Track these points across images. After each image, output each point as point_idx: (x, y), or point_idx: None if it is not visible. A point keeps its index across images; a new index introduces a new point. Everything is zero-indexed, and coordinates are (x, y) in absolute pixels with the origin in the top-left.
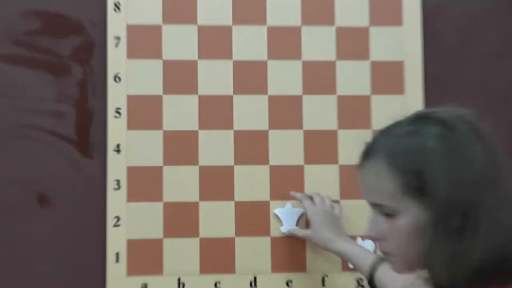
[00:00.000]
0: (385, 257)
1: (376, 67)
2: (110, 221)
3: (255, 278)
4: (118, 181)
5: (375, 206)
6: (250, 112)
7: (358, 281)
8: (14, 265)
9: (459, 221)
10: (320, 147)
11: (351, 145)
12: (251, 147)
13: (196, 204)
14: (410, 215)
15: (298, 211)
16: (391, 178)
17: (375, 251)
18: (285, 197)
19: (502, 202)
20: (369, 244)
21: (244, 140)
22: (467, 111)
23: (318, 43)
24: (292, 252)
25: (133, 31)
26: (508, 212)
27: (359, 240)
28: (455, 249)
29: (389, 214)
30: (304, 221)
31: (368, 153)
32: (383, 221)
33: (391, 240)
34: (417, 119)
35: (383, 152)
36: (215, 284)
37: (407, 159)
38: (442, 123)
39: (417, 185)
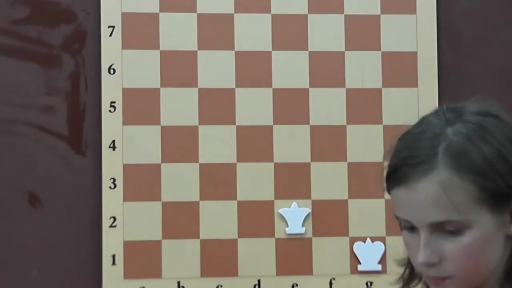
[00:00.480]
0: (438, 282)
1: (388, 58)
2: (105, 221)
3: (259, 282)
4: (113, 180)
5: (436, 225)
6: (253, 106)
7: (367, 284)
8: (3, 269)
9: None
10: (328, 143)
11: (361, 141)
12: (254, 143)
13: (196, 204)
14: (483, 225)
15: (304, 211)
16: (464, 186)
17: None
18: (290, 196)
19: None
20: (380, 246)
21: (247, 136)
22: (493, 103)
23: (326, 33)
24: (298, 254)
25: (129, 19)
26: None
27: (368, 241)
28: None
29: (454, 231)
30: (310, 221)
31: (421, 164)
32: (444, 241)
33: (457, 261)
34: (458, 114)
35: (448, 157)
36: (217, 287)
37: (479, 160)
38: (490, 114)
39: (494, 189)
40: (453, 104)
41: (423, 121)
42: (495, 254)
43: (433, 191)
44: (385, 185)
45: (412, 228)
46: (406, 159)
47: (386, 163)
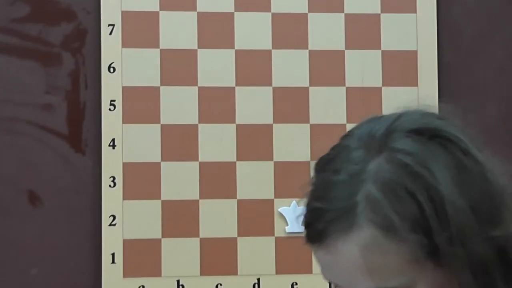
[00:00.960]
0: None
1: (388, 57)
2: (105, 220)
3: (258, 280)
4: (113, 178)
5: None
6: (253, 105)
7: None
8: (3, 268)
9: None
10: (328, 142)
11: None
12: (254, 142)
13: (196, 202)
14: (429, 282)
15: (304, 209)
16: (394, 248)
17: None
18: (290, 195)
19: None
20: None
21: (247, 135)
22: (433, 112)
23: (326, 32)
24: (297, 252)
25: (129, 18)
26: None
27: None
28: None
29: None
30: None
31: (337, 220)
32: None
33: None
34: (385, 139)
35: (369, 211)
36: (216, 286)
37: (408, 214)
38: (432, 132)
39: (436, 245)
40: (383, 115)
41: (341, 148)
42: None
43: (355, 254)
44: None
45: None
46: (317, 213)
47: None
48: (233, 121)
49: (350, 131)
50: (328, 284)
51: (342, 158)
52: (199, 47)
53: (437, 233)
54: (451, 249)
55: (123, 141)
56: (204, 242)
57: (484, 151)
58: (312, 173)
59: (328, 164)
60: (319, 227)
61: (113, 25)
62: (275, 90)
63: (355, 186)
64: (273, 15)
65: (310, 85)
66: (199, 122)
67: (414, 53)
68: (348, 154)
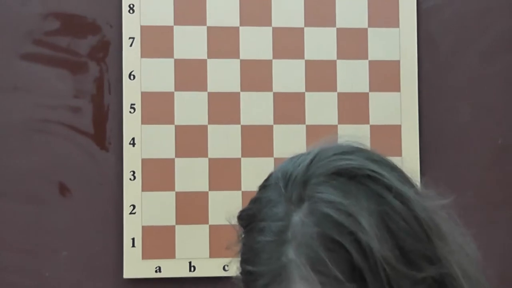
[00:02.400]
0: None
1: (374, 66)
2: (126, 209)
3: None
4: (133, 172)
5: None
6: (256, 108)
7: None
8: (38, 250)
9: None
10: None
11: (350, 139)
12: (257, 140)
13: (206, 194)
14: None
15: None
16: None
17: None
18: None
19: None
20: None
21: (251, 134)
22: (349, 146)
23: (320, 44)
24: None
25: (147, 31)
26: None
27: None
28: None
29: None
30: None
31: (270, 285)
32: None
33: None
34: (304, 185)
35: (303, 269)
36: (223, 267)
37: (341, 261)
38: (351, 173)
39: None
40: (300, 156)
41: (261, 202)
42: None
43: None
44: None
45: None
46: (252, 277)
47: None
48: (238, 122)
49: (268, 179)
50: None
51: (265, 214)
52: (208, 57)
53: (371, 282)
54: None
55: (142, 140)
56: (213, 229)
57: (408, 182)
58: (238, 229)
59: (253, 221)
60: None
61: (133, 37)
62: (275, 95)
63: (283, 245)
64: (274, 29)
65: (306, 90)
66: (208, 123)
67: (397, 62)
68: (270, 209)
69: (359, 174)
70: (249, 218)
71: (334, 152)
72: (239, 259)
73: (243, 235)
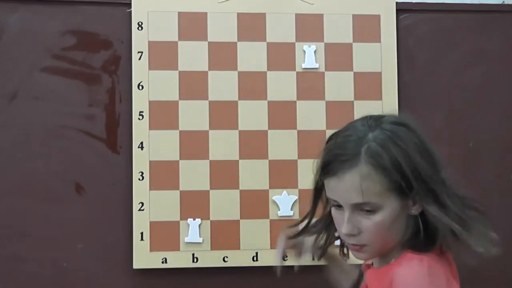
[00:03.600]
0: (357, 248)
1: (358, 77)
2: (135, 206)
3: (256, 253)
4: (142, 173)
5: (356, 205)
6: (252, 115)
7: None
8: (56, 243)
9: (433, 203)
10: (311, 144)
11: None
12: (253, 144)
13: (207, 192)
14: (391, 207)
15: (292, 198)
16: (378, 178)
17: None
18: (282, 186)
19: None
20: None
21: (247, 139)
22: (407, 116)
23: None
24: None
25: (154, 46)
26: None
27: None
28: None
29: (370, 211)
30: (297, 207)
31: (348, 160)
32: (362, 218)
33: (371, 233)
34: (378, 123)
35: (367, 156)
36: (223, 259)
37: (390, 160)
38: (402, 124)
39: (400, 182)
40: (376, 114)
41: (350, 126)
42: (399, 228)
43: (356, 180)
44: (317, 174)
45: (339, 206)
46: (336, 156)
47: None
48: (236, 128)
49: (354, 120)
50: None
51: (352, 130)
52: (209, 69)
53: (410, 176)
54: (418, 185)
55: (150, 144)
56: (214, 224)
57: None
58: (328, 138)
59: (343, 132)
60: (336, 164)
61: (142, 52)
62: (270, 103)
63: (361, 143)
64: (268, 44)
65: (297, 99)
66: (210, 129)
67: (379, 74)
68: (356, 128)
69: (407, 125)
70: (341, 131)
71: (398, 116)
72: (327, 149)
73: (333, 138)
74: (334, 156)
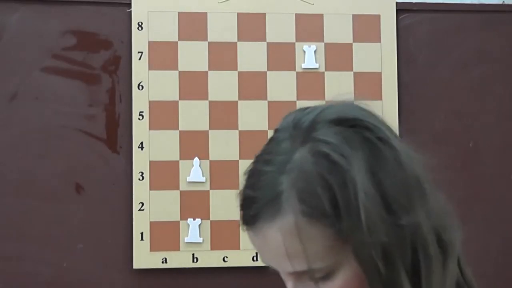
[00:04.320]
0: None
1: (358, 77)
2: (135, 206)
3: (256, 253)
4: (142, 173)
5: (299, 273)
6: (252, 115)
7: None
8: (57, 243)
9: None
10: None
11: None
12: (253, 144)
13: (207, 192)
14: (353, 263)
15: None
16: (315, 233)
17: None
18: None
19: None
20: None
21: (247, 138)
22: (355, 104)
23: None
24: None
25: (154, 46)
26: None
27: None
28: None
29: (323, 277)
30: None
31: (263, 206)
32: (317, 287)
33: None
34: (309, 130)
35: (292, 198)
36: (223, 259)
37: (330, 199)
38: (349, 122)
39: (355, 229)
40: (309, 109)
41: (272, 140)
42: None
43: (279, 239)
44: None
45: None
46: (249, 200)
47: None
48: (236, 128)
49: (280, 124)
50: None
51: (272, 149)
52: (209, 69)
53: (347, 220)
54: (358, 235)
55: (150, 144)
56: (214, 224)
57: (400, 140)
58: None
59: (262, 155)
60: (250, 213)
61: (142, 52)
62: (270, 103)
63: (281, 176)
64: (268, 44)
65: (297, 99)
66: (210, 129)
67: (379, 74)
68: (277, 145)
69: (359, 124)
70: (261, 152)
71: (341, 107)
72: (243, 186)
73: (251, 166)
74: (246, 200)
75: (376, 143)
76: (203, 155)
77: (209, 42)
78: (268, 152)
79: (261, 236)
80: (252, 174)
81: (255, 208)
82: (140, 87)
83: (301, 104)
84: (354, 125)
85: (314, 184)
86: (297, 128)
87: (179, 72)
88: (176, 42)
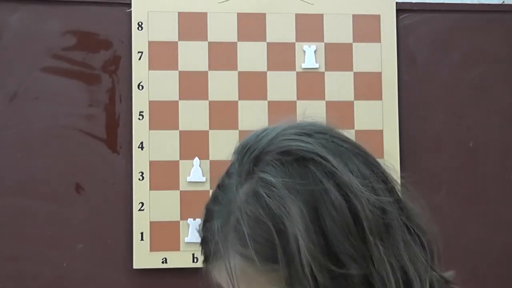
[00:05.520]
0: None
1: (358, 76)
2: (135, 206)
3: None
4: (142, 173)
5: None
6: (252, 115)
7: None
8: (56, 243)
9: None
10: None
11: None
12: None
13: (207, 192)
14: None
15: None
16: (258, 277)
17: None
18: None
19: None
20: None
21: None
22: (317, 125)
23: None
24: None
25: (154, 46)
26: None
27: None
28: None
29: None
30: None
31: (215, 247)
32: None
33: None
34: (256, 161)
35: (236, 242)
36: None
37: (267, 241)
38: (290, 157)
39: (292, 273)
40: (267, 129)
41: (224, 173)
42: None
43: (227, 282)
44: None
45: None
46: (203, 240)
47: None
48: (236, 128)
49: (236, 147)
50: None
51: (222, 185)
52: (209, 69)
53: (288, 268)
54: (297, 284)
55: (150, 144)
56: None
57: (372, 172)
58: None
59: (216, 190)
60: (204, 253)
61: (142, 52)
62: (270, 103)
63: (228, 217)
64: (268, 44)
65: (297, 99)
66: (209, 128)
67: (379, 74)
68: (226, 180)
69: (305, 157)
70: (216, 187)
71: (295, 132)
72: (201, 224)
73: (208, 201)
74: (202, 239)
75: (321, 179)
76: (203, 155)
77: (209, 42)
78: (219, 187)
79: (213, 276)
80: (206, 212)
81: (207, 248)
82: (140, 87)
83: (301, 104)
84: (300, 157)
85: (254, 228)
86: (244, 161)
87: (179, 72)
88: (176, 42)
